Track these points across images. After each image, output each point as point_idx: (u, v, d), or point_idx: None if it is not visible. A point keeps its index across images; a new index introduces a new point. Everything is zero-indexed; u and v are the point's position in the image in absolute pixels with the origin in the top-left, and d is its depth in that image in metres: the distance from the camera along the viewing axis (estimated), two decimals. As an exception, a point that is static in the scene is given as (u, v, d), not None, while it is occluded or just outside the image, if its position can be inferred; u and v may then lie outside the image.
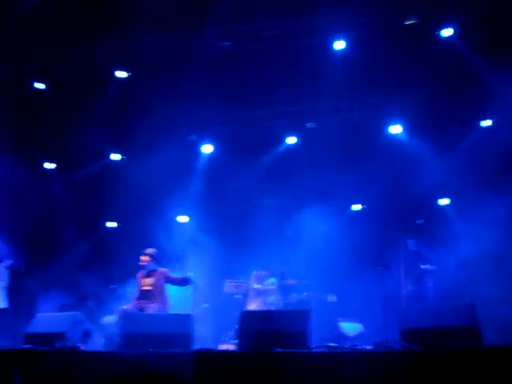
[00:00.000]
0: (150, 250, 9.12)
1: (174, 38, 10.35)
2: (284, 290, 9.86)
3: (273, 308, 10.02)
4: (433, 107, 10.71)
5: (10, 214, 11.01)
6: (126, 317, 7.40)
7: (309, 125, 11.55)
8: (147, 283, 8.84)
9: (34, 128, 11.50)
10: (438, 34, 9.58)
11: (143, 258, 9.01)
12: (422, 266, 9.49)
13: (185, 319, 6.88)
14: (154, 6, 9.36)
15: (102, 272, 11.67)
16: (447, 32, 9.54)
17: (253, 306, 10.08)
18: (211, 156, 12.04)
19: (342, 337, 9.41)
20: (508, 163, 10.32)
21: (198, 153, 12.08)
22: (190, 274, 8.81)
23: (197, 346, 6.63)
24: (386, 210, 11.36)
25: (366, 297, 9.83)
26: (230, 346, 9.07)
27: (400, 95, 10.62)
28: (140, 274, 9.04)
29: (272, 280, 10.37)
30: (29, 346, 6.77)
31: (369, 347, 6.08)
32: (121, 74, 10.84)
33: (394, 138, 11.10)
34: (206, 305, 10.51)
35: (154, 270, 8.92)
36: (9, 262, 9.48)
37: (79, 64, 10.65)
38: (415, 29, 9.56)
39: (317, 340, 6.44)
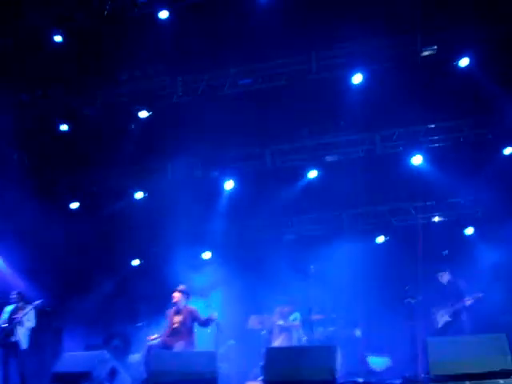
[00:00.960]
0: (181, 287, 9.08)
1: (196, 76, 10.58)
2: (311, 324, 9.73)
3: (297, 344, 9.90)
4: (454, 136, 10.70)
5: (36, 254, 11.15)
6: (151, 355, 7.38)
7: (329, 158, 11.56)
8: (176, 321, 8.79)
9: (57, 169, 11.73)
10: (456, 65, 9.63)
11: (176, 294, 8.96)
12: (464, 299, 9.27)
13: (209, 357, 6.85)
14: (174, 45, 9.62)
15: (127, 310, 11.68)
16: (464, 62, 9.58)
17: (277, 342, 9.96)
18: (232, 192, 12.07)
19: (370, 371, 9.21)
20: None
21: (220, 189, 12.13)
22: (214, 315, 8.74)
23: (222, 383, 6.55)
24: (412, 242, 11.22)
25: (394, 330, 9.65)
26: (256, 384, 8.94)
27: (420, 125, 10.64)
28: (171, 311, 8.97)
29: (295, 315, 10.27)
30: (55, 385, 6.79)
31: (397, 381, 5.95)
32: (142, 114, 11.05)
33: (416, 168, 11.04)
34: (232, 341, 10.41)
35: (184, 308, 8.90)
36: (37, 303, 9.46)
37: (102, 104, 10.92)
38: (432, 60, 9.63)
39: (344, 375, 6.33)
